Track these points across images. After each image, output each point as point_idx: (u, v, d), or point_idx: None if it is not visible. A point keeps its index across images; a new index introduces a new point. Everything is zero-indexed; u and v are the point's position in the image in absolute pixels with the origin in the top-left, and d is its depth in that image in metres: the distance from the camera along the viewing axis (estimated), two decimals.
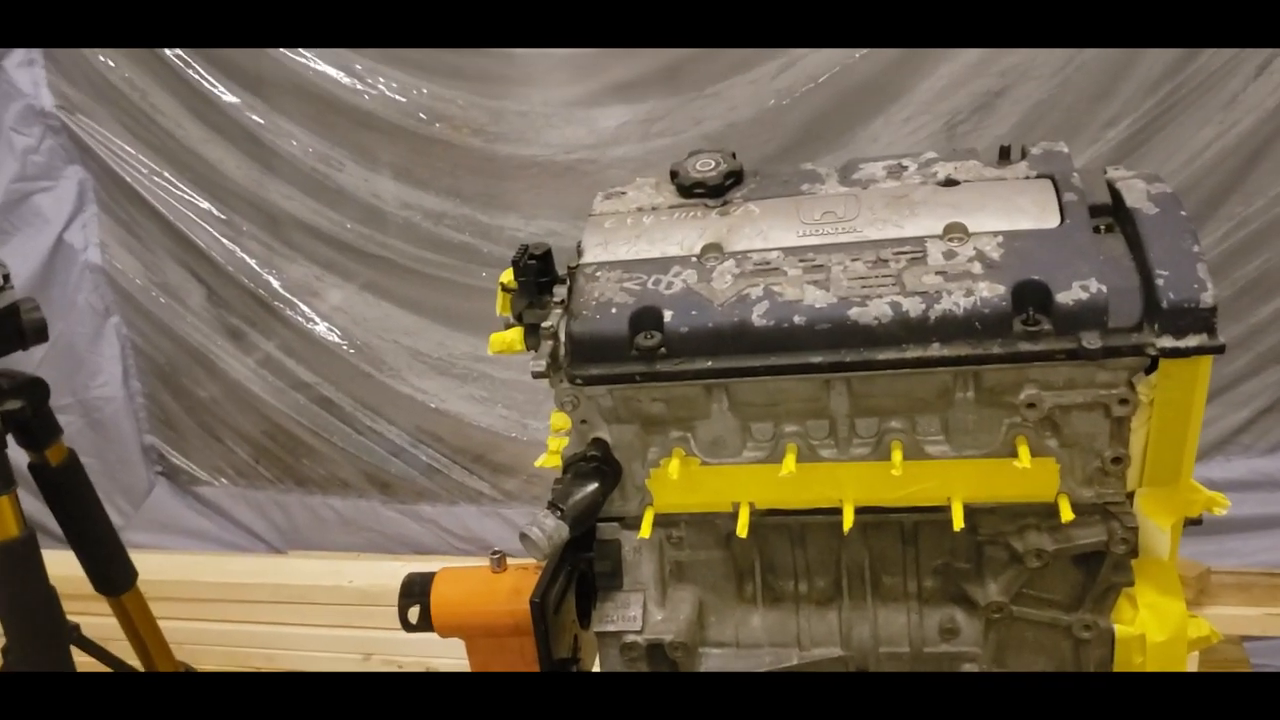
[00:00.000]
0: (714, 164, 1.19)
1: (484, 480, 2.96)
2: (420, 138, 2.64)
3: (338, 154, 2.72)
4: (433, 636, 1.42)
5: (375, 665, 2.44)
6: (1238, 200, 2.35)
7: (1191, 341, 0.96)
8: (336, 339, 2.90)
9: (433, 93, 2.59)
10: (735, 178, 1.19)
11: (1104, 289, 0.98)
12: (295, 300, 2.91)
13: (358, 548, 3.02)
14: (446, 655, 1.45)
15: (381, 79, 2.60)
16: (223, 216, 2.91)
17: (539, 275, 1.15)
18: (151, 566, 2.61)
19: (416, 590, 1.37)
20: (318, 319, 2.90)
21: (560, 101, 2.57)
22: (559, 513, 1.08)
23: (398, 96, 2.61)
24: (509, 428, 2.84)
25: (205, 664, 2.49)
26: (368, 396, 2.96)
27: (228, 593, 2.56)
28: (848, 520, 1.09)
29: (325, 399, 3.00)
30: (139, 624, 1.98)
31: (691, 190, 1.19)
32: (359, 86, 2.61)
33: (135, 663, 2.01)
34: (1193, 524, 1.21)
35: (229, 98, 2.72)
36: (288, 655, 2.49)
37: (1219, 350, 0.96)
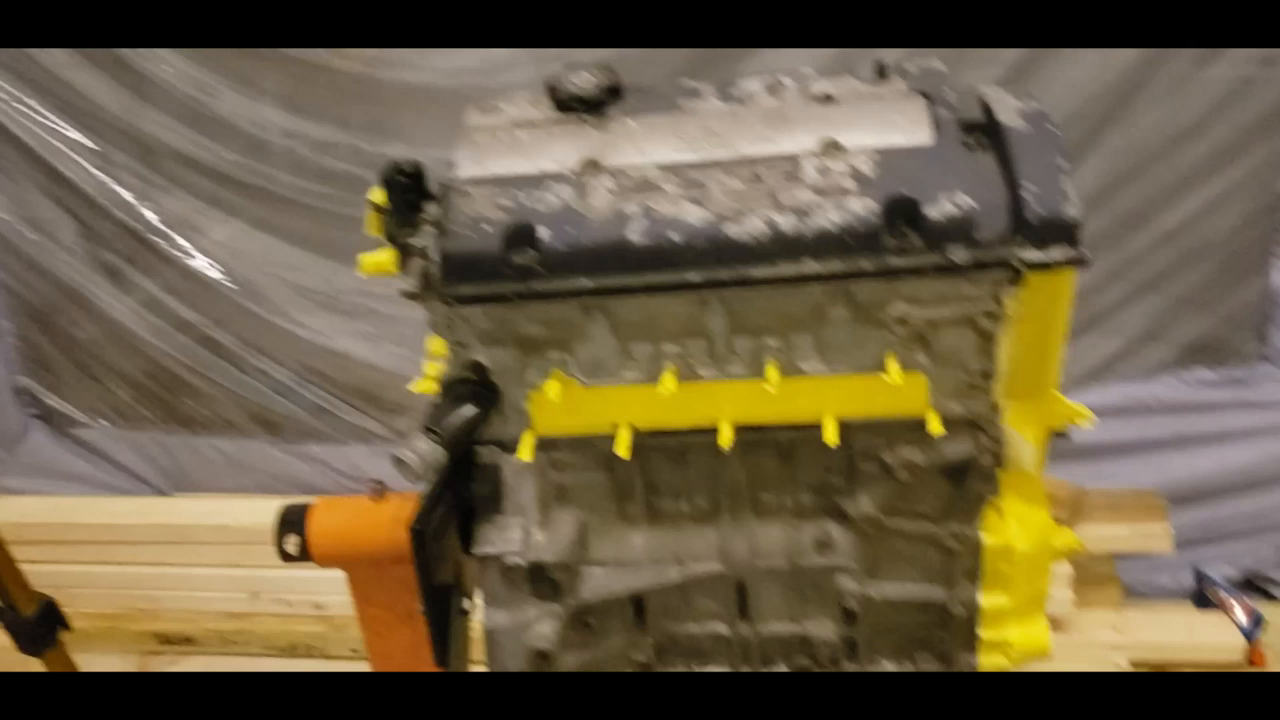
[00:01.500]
0: (592, 78, 1.17)
1: (374, 419, 2.93)
2: (303, 64, 2.56)
3: (214, 81, 2.62)
4: (322, 575, 1.40)
5: (263, 604, 2.41)
6: (1117, 132, 2.41)
7: (1055, 254, 0.98)
8: (218, 275, 2.82)
9: None
10: (614, 92, 1.17)
11: (972, 203, 0.99)
12: (173, 235, 2.82)
13: (245, 489, 2.97)
14: (337, 593, 1.43)
15: None
16: (94, 147, 2.79)
17: (410, 193, 1.12)
18: (27, 509, 2.55)
19: (294, 521, 1.34)
20: (197, 254, 2.82)
21: None
22: (434, 436, 1.07)
23: None
24: (399, 365, 2.80)
25: (86, 607, 2.43)
26: (252, 334, 2.90)
27: (108, 534, 2.50)
28: (726, 438, 1.10)
29: (208, 338, 2.92)
30: None
31: (569, 105, 1.16)
32: None
33: None
34: (1060, 439, 1.25)
35: None
36: (172, 596, 2.45)
37: (1082, 263, 0.98)
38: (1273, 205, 2.46)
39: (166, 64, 2.61)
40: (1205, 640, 2.38)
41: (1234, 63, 2.31)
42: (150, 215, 2.80)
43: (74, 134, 2.77)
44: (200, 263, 2.83)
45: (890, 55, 1.17)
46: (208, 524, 2.46)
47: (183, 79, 2.62)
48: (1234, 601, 2.46)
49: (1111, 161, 2.40)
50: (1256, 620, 2.42)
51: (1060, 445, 2.57)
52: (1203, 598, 2.59)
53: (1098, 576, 2.43)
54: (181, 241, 2.83)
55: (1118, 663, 2.31)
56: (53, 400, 3.09)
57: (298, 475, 2.98)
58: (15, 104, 2.72)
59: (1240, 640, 2.38)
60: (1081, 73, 2.33)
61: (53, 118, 2.75)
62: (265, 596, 2.43)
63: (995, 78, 2.32)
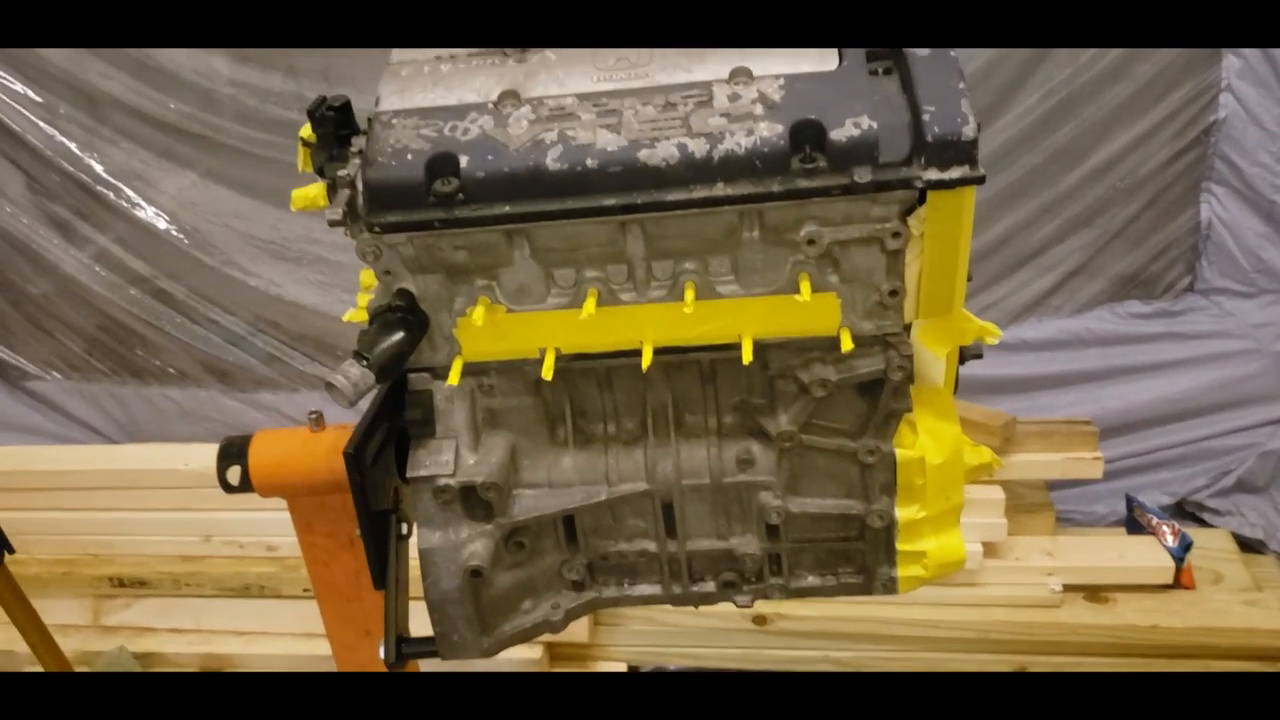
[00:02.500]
0: None
1: (325, 366, 2.95)
2: None
3: None
4: (274, 517, 1.43)
5: (215, 547, 2.44)
6: (1049, 67, 2.46)
7: (955, 173, 1.02)
8: (165, 224, 2.82)
9: None
10: None
11: (874, 125, 1.03)
12: (121, 186, 2.82)
13: (198, 438, 2.99)
14: (288, 534, 1.47)
15: None
16: (39, 99, 2.78)
17: (338, 127, 1.15)
18: None
19: (235, 451, 1.38)
20: (145, 204, 2.82)
21: None
22: (364, 361, 1.10)
23: None
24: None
25: (39, 553, 2.46)
26: (201, 284, 2.91)
27: (60, 480, 2.51)
28: (646, 359, 1.14)
29: (159, 289, 2.93)
30: None
31: None
32: None
33: None
34: (974, 358, 1.30)
35: None
36: (125, 540, 2.47)
37: (979, 181, 1.02)
38: (1200, 141, 2.51)
39: None
40: (1135, 563, 2.46)
41: None
42: (98, 167, 2.80)
43: (18, 86, 2.75)
44: (148, 213, 2.83)
45: None
46: (159, 469, 2.48)
47: None
48: (1163, 526, 2.54)
49: (1041, 100, 2.46)
50: (1185, 544, 2.50)
51: (996, 378, 2.64)
52: (1135, 524, 2.67)
53: (1032, 504, 2.50)
54: (130, 193, 2.83)
55: (1051, 585, 2.39)
56: (4, 353, 3.09)
57: (251, 423, 3.00)
58: None
59: (1169, 562, 2.46)
60: None
61: None
62: (217, 539, 2.46)
63: None
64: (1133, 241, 2.61)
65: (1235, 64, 2.44)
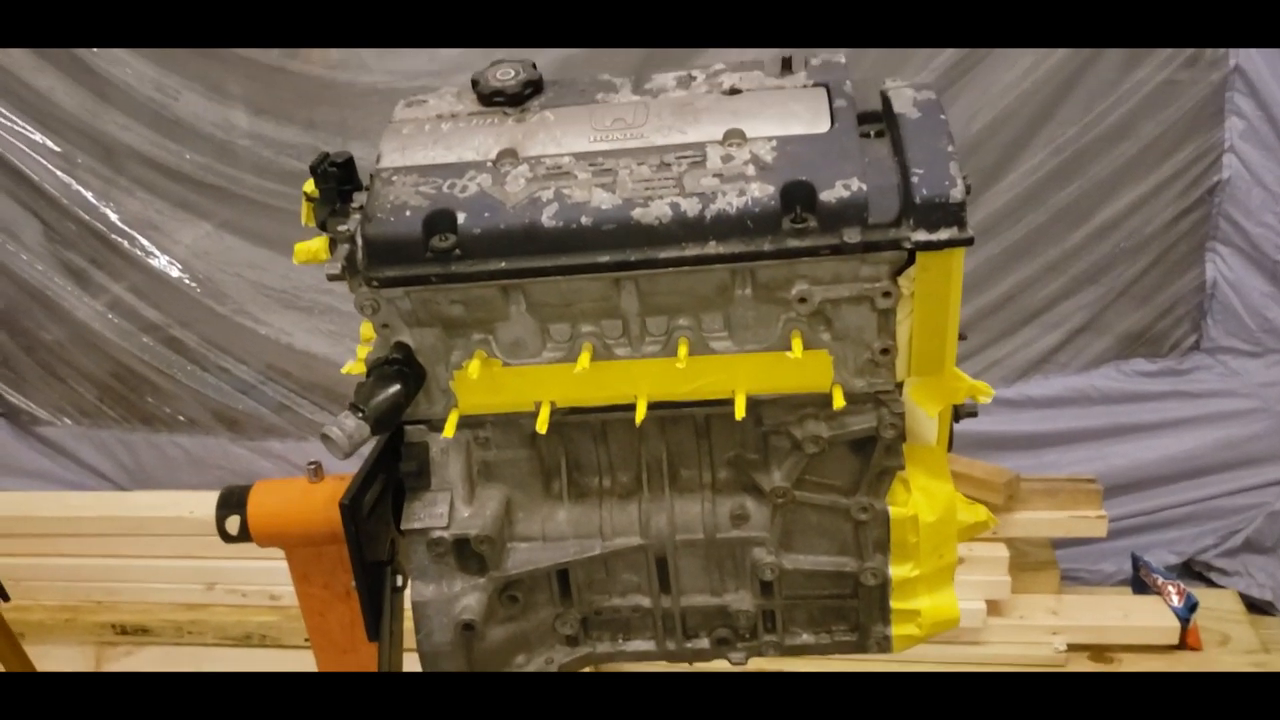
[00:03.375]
0: (514, 73, 1.22)
1: (334, 415, 2.96)
2: (263, 67, 2.61)
3: (173, 83, 2.66)
4: (277, 565, 1.43)
5: (218, 595, 2.45)
6: (1054, 127, 2.48)
7: (943, 235, 1.03)
8: (178, 273, 2.86)
9: None
10: (534, 87, 1.22)
11: (864, 187, 1.04)
12: (136, 235, 2.85)
13: (207, 486, 2.99)
14: (290, 584, 1.47)
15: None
16: (57, 149, 2.82)
17: (340, 183, 1.17)
18: None
19: (234, 501, 1.39)
20: (158, 253, 2.85)
21: None
22: (360, 413, 1.12)
23: None
24: None
25: (44, 599, 2.46)
26: (213, 333, 2.94)
27: (65, 527, 2.53)
28: (640, 413, 1.15)
29: (172, 337, 2.96)
30: None
31: (491, 99, 1.21)
32: None
33: None
34: (969, 416, 1.30)
35: None
36: (129, 588, 2.48)
37: (968, 242, 1.03)
38: (1204, 201, 2.53)
39: (127, 66, 2.65)
40: (1140, 623, 2.44)
41: (1159, 66, 2.39)
42: (113, 216, 2.83)
43: (37, 136, 2.80)
44: (161, 262, 2.86)
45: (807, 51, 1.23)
46: (163, 516, 2.49)
47: (143, 81, 2.65)
48: (1169, 586, 2.52)
49: (1046, 158, 2.47)
50: (1191, 604, 2.48)
51: (1001, 434, 2.64)
52: (1141, 583, 2.65)
53: (1036, 562, 2.49)
54: (144, 242, 2.86)
55: (1055, 645, 2.37)
56: (16, 399, 3.12)
57: (259, 471, 3.01)
58: None
59: (1174, 623, 2.44)
60: (1014, 75, 2.40)
61: (16, 120, 2.78)
62: (220, 587, 2.46)
63: (931, 81, 2.39)
64: (1138, 300, 2.62)
65: (1238, 125, 2.46)
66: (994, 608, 2.36)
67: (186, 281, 2.87)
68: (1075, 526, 2.45)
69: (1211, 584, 2.79)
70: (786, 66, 1.20)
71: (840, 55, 1.20)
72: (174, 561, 2.49)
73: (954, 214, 1.03)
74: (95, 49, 2.64)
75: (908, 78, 2.27)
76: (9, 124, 2.78)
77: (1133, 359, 2.70)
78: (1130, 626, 2.42)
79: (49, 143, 2.81)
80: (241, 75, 2.64)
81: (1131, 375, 2.70)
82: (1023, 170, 2.51)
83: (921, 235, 1.04)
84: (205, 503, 2.54)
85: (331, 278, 1.12)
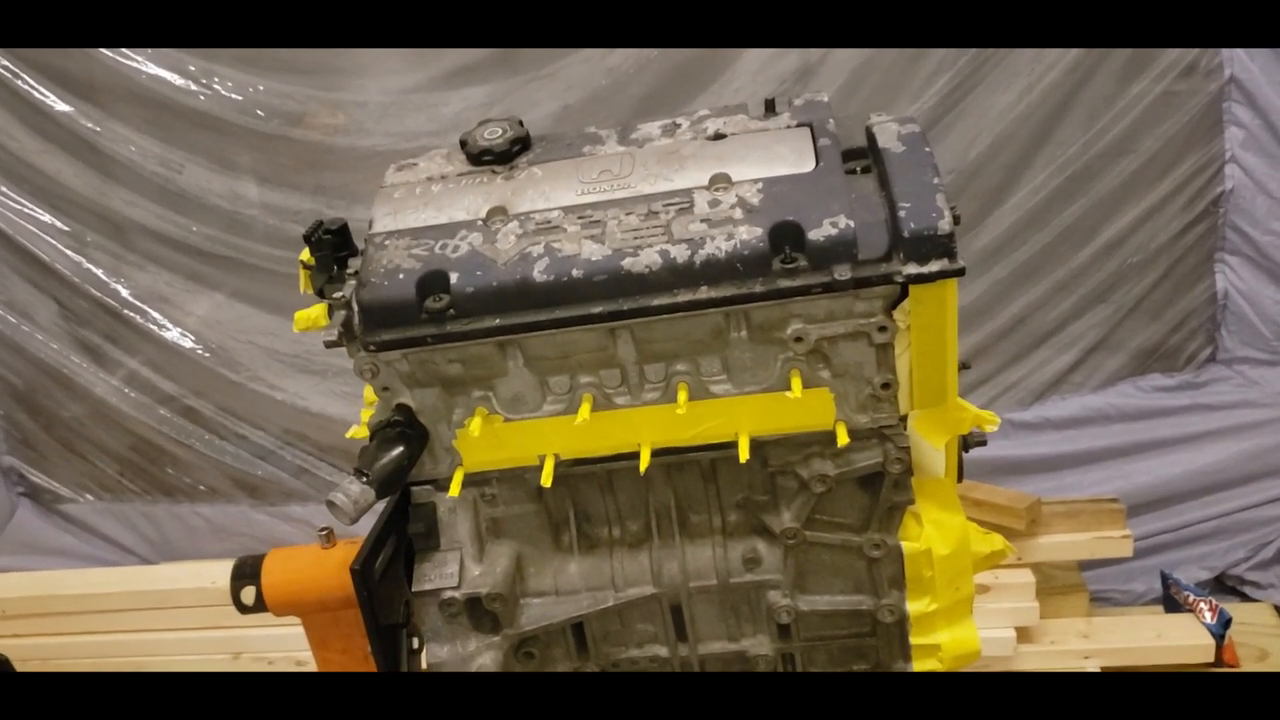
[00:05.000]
0: (501, 131, 1.24)
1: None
2: (265, 136, 2.64)
3: (177, 157, 2.70)
4: (300, 632, 1.43)
5: (245, 664, 2.44)
6: (1053, 147, 2.48)
7: (933, 267, 1.03)
8: (192, 344, 2.88)
9: (269, 89, 2.59)
10: (522, 143, 1.24)
11: (852, 224, 1.05)
12: (147, 308, 2.88)
13: (230, 554, 2.99)
14: None
15: (216, 79, 2.59)
16: (66, 228, 2.86)
17: (336, 250, 1.18)
18: (10, 585, 2.58)
19: (248, 572, 1.39)
20: (170, 325, 2.87)
21: (399, 90, 2.59)
22: (364, 478, 1.12)
23: (234, 95, 2.60)
24: None
25: None
26: (230, 401, 2.95)
27: (90, 604, 2.52)
28: (644, 460, 1.15)
29: (188, 408, 2.97)
30: None
31: (480, 158, 1.23)
32: (194, 87, 2.60)
33: None
34: (978, 445, 1.29)
35: (61, 106, 2.69)
36: (155, 661, 2.47)
37: (959, 273, 1.03)
38: (1209, 212, 2.52)
39: (131, 144, 2.69)
40: (1174, 642, 2.39)
41: (1154, 79, 2.38)
42: (124, 291, 2.86)
43: (46, 217, 2.84)
44: (174, 334, 2.88)
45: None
46: (186, 588, 2.49)
47: (147, 157, 2.69)
48: (1201, 602, 2.47)
49: (1048, 179, 2.47)
50: (1224, 620, 2.43)
51: (1021, 458, 2.61)
52: (1172, 601, 2.60)
53: (1064, 586, 2.45)
54: (156, 315, 2.88)
55: (1088, 668, 2.33)
56: (38, 477, 3.13)
57: (281, 537, 3.01)
58: None
59: (1209, 640, 2.40)
60: (1010, 98, 2.40)
61: (25, 202, 2.82)
62: (246, 655, 2.45)
63: (927, 108, 2.40)
64: (1150, 314, 2.60)
65: (1238, 135, 2.45)
66: (1024, 634, 2.32)
67: (200, 352, 2.89)
68: (1100, 548, 2.41)
69: (1246, 598, 2.74)
70: (770, 108, 1.21)
71: (823, 95, 1.21)
72: (199, 633, 2.48)
73: (943, 245, 1.03)
74: (98, 126, 2.67)
75: (902, 108, 2.29)
76: (18, 206, 2.81)
77: (1149, 374, 2.67)
78: (1164, 646, 2.38)
79: (58, 223, 2.84)
80: (244, 145, 2.67)
81: (1149, 391, 2.67)
82: (1025, 191, 2.51)
83: (912, 268, 1.03)
84: (227, 572, 2.55)
85: (329, 344, 1.13)
